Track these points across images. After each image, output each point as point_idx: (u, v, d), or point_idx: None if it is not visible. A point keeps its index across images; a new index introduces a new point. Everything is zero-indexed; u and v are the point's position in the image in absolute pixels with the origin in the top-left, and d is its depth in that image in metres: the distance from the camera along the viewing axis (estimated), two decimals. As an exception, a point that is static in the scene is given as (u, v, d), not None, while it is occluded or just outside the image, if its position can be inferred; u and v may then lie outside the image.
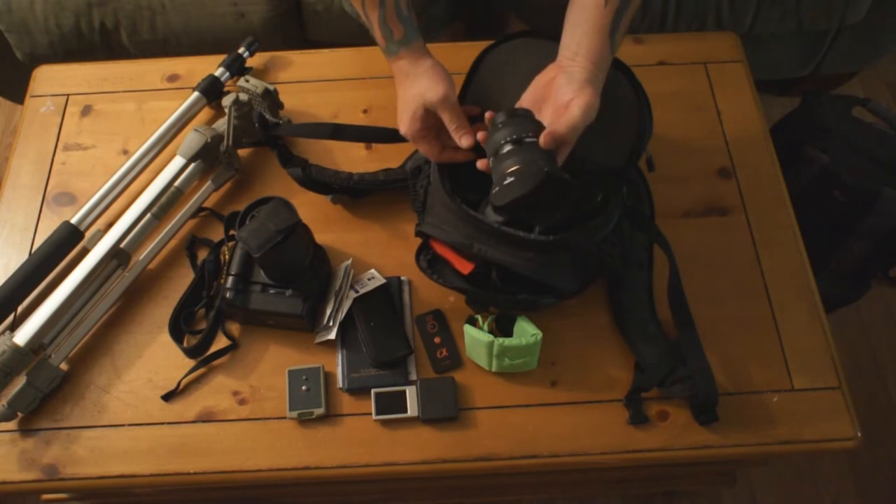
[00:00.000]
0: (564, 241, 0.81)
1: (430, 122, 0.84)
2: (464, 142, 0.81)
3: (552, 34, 0.84)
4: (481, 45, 0.91)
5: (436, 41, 1.35)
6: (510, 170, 0.72)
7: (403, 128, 0.85)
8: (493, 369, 0.87)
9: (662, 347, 0.87)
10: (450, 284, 0.87)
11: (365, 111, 1.07)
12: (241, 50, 1.08)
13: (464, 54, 0.92)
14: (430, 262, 0.90)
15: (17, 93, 1.62)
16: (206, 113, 1.07)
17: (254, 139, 1.03)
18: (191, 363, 0.89)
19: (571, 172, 0.75)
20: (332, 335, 0.88)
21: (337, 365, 0.88)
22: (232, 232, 0.95)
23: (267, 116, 1.00)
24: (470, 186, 0.86)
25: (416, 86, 0.83)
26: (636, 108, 0.86)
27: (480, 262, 0.85)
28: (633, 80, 0.87)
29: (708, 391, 0.82)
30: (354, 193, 0.99)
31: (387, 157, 1.01)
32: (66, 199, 1.01)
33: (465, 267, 0.86)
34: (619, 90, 0.85)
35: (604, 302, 0.92)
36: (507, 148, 0.74)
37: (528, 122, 0.76)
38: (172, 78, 1.11)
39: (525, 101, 0.81)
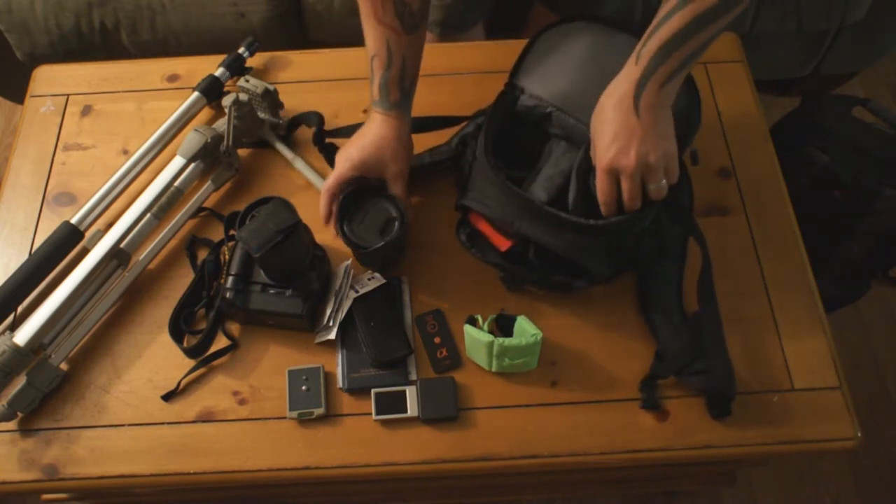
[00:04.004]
0: (606, 226, 0.82)
1: (357, 174, 0.88)
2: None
3: (612, 20, 0.86)
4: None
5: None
6: None
7: (340, 167, 0.89)
8: (493, 369, 0.87)
9: (685, 338, 0.87)
10: (488, 259, 0.89)
11: (365, 111, 1.07)
12: (241, 50, 1.08)
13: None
14: (469, 236, 0.91)
15: (17, 93, 1.62)
16: (206, 113, 1.07)
17: (254, 139, 1.03)
18: (191, 363, 0.89)
19: None
20: (332, 335, 0.88)
21: (337, 365, 0.88)
22: (232, 232, 0.95)
23: (265, 116, 1.00)
24: (515, 165, 0.87)
25: (379, 143, 0.88)
26: (685, 99, 0.87)
27: (519, 240, 0.86)
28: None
29: (726, 384, 0.83)
30: None
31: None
32: (66, 199, 1.01)
33: (503, 244, 0.87)
34: None
35: (605, 302, 0.92)
36: None
37: None
38: (172, 78, 1.11)
39: None
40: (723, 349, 0.86)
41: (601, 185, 0.80)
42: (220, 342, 0.90)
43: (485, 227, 0.89)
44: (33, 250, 0.93)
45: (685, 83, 0.87)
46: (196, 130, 0.98)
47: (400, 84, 0.88)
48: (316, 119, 1.01)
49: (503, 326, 0.89)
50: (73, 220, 0.94)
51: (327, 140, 1.01)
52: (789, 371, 0.87)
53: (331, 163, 1.00)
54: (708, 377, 0.84)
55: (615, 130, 0.78)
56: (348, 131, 1.00)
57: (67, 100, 1.09)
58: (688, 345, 0.86)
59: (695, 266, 0.90)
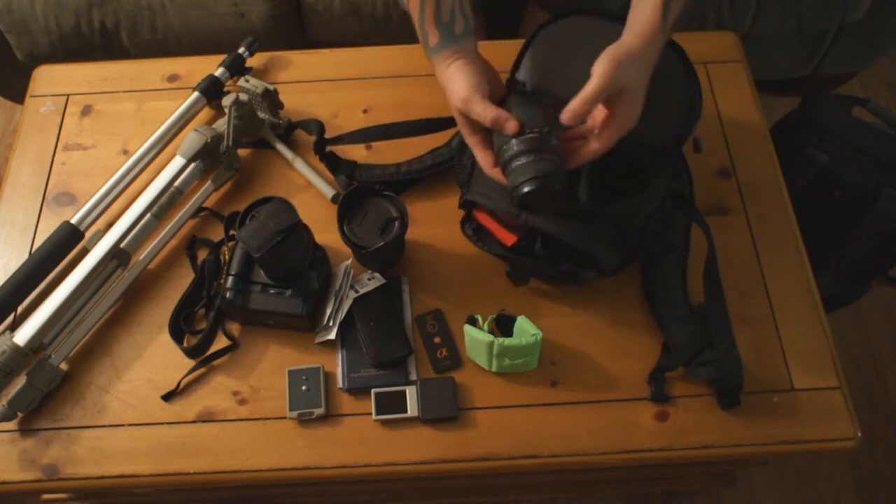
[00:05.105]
0: (612, 213, 0.82)
1: (476, 127, 0.79)
2: (509, 128, 0.74)
3: (608, 12, 0.85)
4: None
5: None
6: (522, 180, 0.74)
7: (469, 92, 0.78)
8: (493, 369, 0.87)
9: (692, 330, 0.87)
10: (494, 252, 0.89)
11: (365, 111, 1.07)
12: (241, 50, 1.08)
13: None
14: (475, 230, 0.92)
15: (17, 93, 1.62)
16: (206, 113, 1.07)
17: (254, 139, 1.03)
18: (191, 363, 0.89)
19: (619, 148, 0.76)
20: (332, 335, 0.88)
21: (337, 365, 0.88)
22: (232, 232, 0.95)
23: (265, 116, 1.00)
24: None
25: (449, 96, 0.79)
26: (686, 88, 0.86)
27: (524, 234, 0.86)
28: (685, 60, 0.87)
29: (734, 375, 0.83)
30: (401, 187, 0.99)
31: (386, 156, 1.01)
32: (66, 199, 1.01)
33: (509, 238, 0.87)
34: (669, 70, 0.85)
35: (604, 302, 0.92)
36: (515, 156, 0.74)
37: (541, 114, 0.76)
38: (172, 78, 1.11)
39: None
40: (730, 339, 0.86)
41: (610, 138, 0.74)
42: (220, 342, 0.90)
43: (490, 223, 0.89)
44: (33, 250, 0.93)
45: (686, 69, 0.87)
46: (196, 130, 0.98)
47: (436, 22, 0.78)
48: (316, 127, 1.00)
49: (503, 326, 0.89)
50: (73, 220, 0.94)
51: (328, 148, 1.00)
52: (789, 371, 0.87)
53: (332, 171, 1.00)
54: (716, 367, 0.84)
55: (643, 88, 0.74)
56: (349, 138, 1.00)
57: (67, 100, 1.09)
58: (695, 336, 0.86)
59: (697, 260, 0.91)
